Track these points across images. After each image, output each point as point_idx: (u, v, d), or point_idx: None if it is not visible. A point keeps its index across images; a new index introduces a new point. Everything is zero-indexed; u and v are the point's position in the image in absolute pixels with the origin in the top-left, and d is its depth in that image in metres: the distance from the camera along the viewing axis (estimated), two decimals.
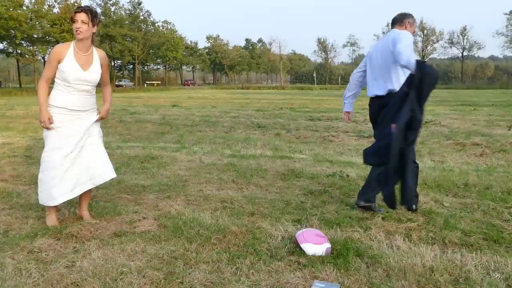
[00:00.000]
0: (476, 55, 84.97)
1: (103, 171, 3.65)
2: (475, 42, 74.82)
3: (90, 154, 3.59)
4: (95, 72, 3.52)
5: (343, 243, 3.06)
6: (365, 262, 2.81)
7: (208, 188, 4.78)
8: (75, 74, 3.40)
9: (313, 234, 3.09)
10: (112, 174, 3.72)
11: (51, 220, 3.55)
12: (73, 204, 3.96)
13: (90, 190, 3.77)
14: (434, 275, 2.60)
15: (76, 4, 50.56)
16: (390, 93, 3.69)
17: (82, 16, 3.34)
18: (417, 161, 3.97)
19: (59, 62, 3.40)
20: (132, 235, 3.31)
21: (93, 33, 3.46)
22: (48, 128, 3.44)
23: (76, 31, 3.35)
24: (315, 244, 2.95)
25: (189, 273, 2.65)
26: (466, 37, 74.60)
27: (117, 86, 60.08)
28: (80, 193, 3.62)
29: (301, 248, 2.97)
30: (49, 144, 3.48)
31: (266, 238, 3.22)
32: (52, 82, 3.54)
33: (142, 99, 26.84)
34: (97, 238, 3.25)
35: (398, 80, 3.67)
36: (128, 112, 15.51)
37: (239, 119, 12.90)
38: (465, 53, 76.11)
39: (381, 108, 3.65)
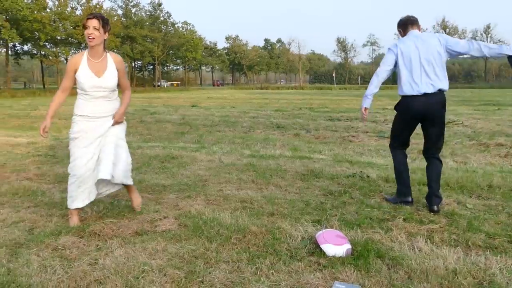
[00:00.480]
0: None
1: (101, 169, 3.56)
2: (499, 40, 73.16)
3: (101, 152, 3.61)
4: (110, 77, 3.58)
5: (363, 244, 3.03)
6: (386, 264, 2.78)
7: (228, 188, 4.81)
8: (90, 82, 3.50)
9: (333, 234, 3.07)
10: (103, 175, 3.54)
11: (73, 221, 3.62)
12: (95, 203, 4.03)
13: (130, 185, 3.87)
14: (457, 278, 2.55)
15: (98, 6, 51.44)
16: (442, 91, 3.90)
17: (94, 23, 3.42)
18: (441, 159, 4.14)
19: (75, 72, 3.51)
20: (153, 234, 3.36)
21: (105, 39, 3.55)
22: (42, 136, 3.58)
23: (88, 37, 3.43)
24: (335, 245, 2.94)
25: (210, 272, 2.67)
26: (489, 35, 73.09)
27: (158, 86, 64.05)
28: (100, 196, 3.83)
29: (321, 249, 2.96)
30: (72, 155, 3.59)
31: (286, 239, 3.21)
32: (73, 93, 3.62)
33: (162, 99, 27.13)
34: (119, 236, 3.30)
35: (446, 78, 3.95)
36: (148, 112, 15.70)
37: (258, 119, 12.92)
38: None
39: (429, 105, 3.86)
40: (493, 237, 3.21)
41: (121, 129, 3.80)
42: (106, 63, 3.58)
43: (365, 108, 4.20)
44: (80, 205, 3.60)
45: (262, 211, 3.91)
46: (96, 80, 3.51)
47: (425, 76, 3.86)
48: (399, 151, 4.21)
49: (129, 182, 3.80)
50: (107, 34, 3.54)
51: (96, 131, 3.58)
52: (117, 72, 3.63)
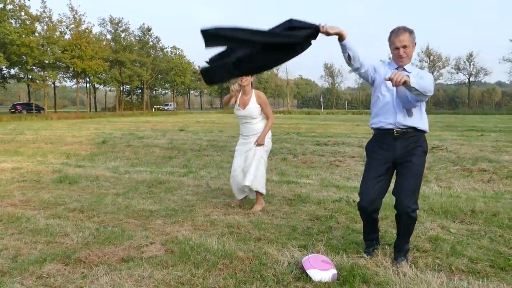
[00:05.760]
0: (483, 81, 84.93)
1: (246, 178, 4.86)
2: (481, 68, 74.70)
3: (247, 165, 4.93)
4: (249, 110, 4.94)
5: (349, 269, 3.06)
6: None
7: (215, 213, 4.81)
8: (236, 112, 5.06)
9: (319, 260, 3.10)
10: (246, 182, 4.83)
11: (234, 203, 5.19)
12: (80, 229, 3.98)
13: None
14: None
15: (87, 30, 51.58)
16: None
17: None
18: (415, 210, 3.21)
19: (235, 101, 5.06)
20: (139, 260, 3.34)
21: (251, 82, 5.03)
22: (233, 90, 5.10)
23: (241, 80, 4.89)
24: (321, 270, 2.96)
25: None
26: (472, 63, 74.67)
27: (161, 109, 68.63)
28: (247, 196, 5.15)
29: (307, 274, 2.98)
30: (233, 162, 5.13)
31: (273, 264, 3.23)
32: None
33: (150, 124, 27.08)
34: (105, 263, 3.28)
35: None
36: (136, 137, 15.65)
37: None
38: (471, 79, 76.02)
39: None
40: (476, 262, 3.26)
41: (262, 149, 4.97)
42: (250, 99, 4.95)
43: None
44: (239, 198, 5.13)
45: (249, 236, 3.92)
46: (241, 112, 5.00)
47: None
48: None
49: (263, 191, 5.00)
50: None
51: (246, 146, 5.00)
52: (259, 105, 4.96)
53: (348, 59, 3.13)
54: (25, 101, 56.04)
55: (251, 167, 4.88)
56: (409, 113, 3.19)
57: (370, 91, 3.52)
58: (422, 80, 2.98)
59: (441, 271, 3.10)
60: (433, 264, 3.23)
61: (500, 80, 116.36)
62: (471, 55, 74.78)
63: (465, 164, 8.34)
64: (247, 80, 4.92)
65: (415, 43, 3.24)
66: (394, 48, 3.19)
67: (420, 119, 3.22)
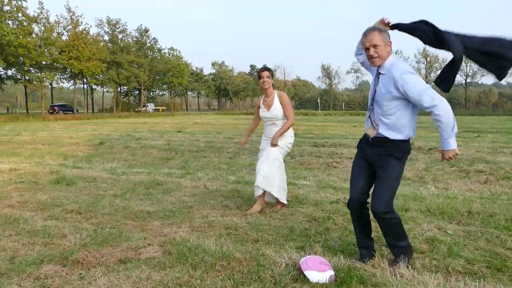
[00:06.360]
0: (479, 82, 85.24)
1: (256, 180, 4.90)
2: (478, 69, 75.05)
3: (261, 165, 4.92)
4: (273, 111, 4.97)
5: (346, 270, 3.07)
6: None
7: (213, 214, 4.82)
8: (262, 114, 5.09)
9: (317, 261, 3.11)
10: (256, 182, 4.87)
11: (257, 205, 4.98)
12: (78, 230, 3.98)
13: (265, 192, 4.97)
14: None
15: (84, 31, 51.54)
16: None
17: (266, 73, 4.91)
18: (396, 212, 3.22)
19: (259, 107, 5.13)
20: (137, 261, 3.34)
21: (272, 83, 5.00)
22: (241, 146, 5.70)
23: (263, 83, 4.92)
24: (318, 271, 2.97)
25: None
26: (469, 64, 75.01)
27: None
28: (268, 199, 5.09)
29: (304, 275, 2.99)
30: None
31: (270, 265, 3.23)
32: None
33: (147, 125, 27.07)
34: (102, 264, 3.28)
35: None
36: (133, 138, 15.64)
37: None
38: (468, 80, 76.41)
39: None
40: (472, 263, 3.28)
41: (276, 150, 4.96)
42: (273, 100, 4.98)
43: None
44: (256, 194, 4.98)
45: (247, 238, 3.93)
46: (266, 113, 5.03)
47: None
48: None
49: (278, 195, 4.93)
50: (272, 80, 4.99)
51: (267, 148, 5.00)
52: (281, 106, 4.94)
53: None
54: (61, 103, 58.22)
55: (263, 167, 4.86)
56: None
57: (367, 92, 3.59)
58: (441, 120, 2.94)
59: (438, 272, 3.11)
60: (430, 265, 3.24)
61: (497, 81, 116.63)
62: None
63: (462, 165, 8.37)
64: (269, 82, 4.91)
65: (390, 42, 3.09)
66: (365, 49, 3.12)
67: (389, 129, 3.09)
